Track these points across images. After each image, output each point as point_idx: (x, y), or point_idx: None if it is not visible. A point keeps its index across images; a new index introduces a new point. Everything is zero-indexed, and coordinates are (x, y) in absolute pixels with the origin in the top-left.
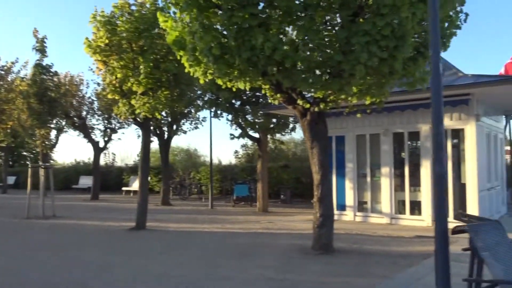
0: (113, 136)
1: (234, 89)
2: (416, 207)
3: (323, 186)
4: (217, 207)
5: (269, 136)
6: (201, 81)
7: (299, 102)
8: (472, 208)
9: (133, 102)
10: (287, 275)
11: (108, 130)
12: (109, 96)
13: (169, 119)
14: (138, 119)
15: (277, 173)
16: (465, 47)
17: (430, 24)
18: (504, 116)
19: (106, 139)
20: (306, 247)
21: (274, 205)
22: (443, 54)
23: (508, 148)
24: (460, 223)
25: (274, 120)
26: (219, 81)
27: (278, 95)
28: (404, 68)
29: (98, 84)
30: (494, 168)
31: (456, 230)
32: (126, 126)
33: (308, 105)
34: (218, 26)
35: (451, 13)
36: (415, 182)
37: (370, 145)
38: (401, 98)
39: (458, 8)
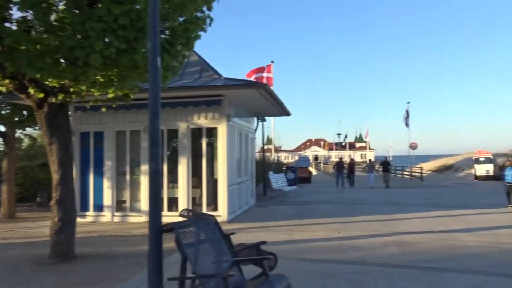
0: None
1: None
2: (173, 204)
3: (62, 187)
4: None
5: (20, 131)
6: None
7: (31, 90)
8: (222, 201)
9: None
10: None
11: None
12: None
13: None
14: None
15: (34, 173)
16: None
17: (150, 20)
18: (255, 118)
19: None
20: (43, 256)
21: (28, 210)
22: (208, 57)
23: (260, 146)
24: (181, 220)
25: (25, 112)
26: None
27: (7, 81)
28: (148, 62)
29: None
30: (244, 164)
31: (165, 229)
32: None
33: (42, 95)
34: None
35: (198, 14)
36: (173, 179)
37: (130, 142)
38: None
39: (207, 12)
